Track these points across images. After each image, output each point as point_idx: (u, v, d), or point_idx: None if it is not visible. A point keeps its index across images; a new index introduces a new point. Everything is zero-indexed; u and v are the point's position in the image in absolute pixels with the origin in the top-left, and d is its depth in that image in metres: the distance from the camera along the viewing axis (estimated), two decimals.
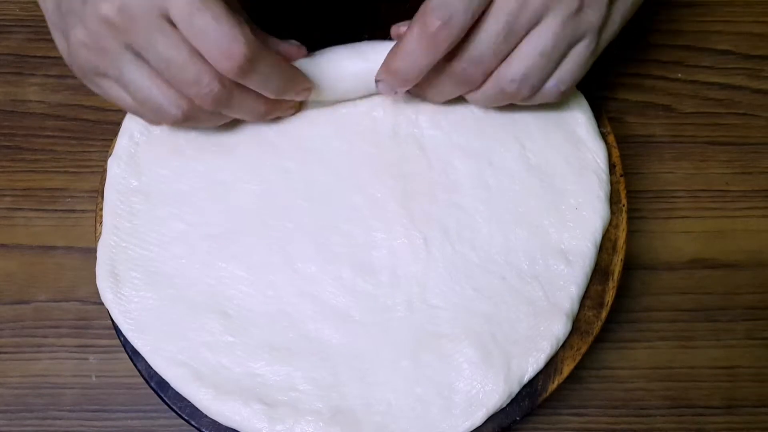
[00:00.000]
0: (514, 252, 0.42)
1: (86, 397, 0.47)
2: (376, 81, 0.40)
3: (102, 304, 0.41)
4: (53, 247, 0.49)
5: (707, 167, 0.51)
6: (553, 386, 0.40)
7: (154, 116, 0.39)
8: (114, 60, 0.37)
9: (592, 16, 0.37)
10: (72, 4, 0.37)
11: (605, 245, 0.43)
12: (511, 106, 0.43)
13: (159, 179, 0.43)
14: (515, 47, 0.37)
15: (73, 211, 0.50)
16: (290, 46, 0.42)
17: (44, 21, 0.40)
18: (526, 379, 0.39)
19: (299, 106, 0.44)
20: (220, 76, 0.37)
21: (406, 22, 0.39)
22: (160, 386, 0.40)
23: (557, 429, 0.46)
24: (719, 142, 0.52)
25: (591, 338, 0.41)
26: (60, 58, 0.40)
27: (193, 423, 0.40)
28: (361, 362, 0.40)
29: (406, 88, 0.40)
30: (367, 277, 0.41)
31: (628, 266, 0.46)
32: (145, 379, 0.41)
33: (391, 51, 0.39)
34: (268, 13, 0.49)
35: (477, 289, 0.41)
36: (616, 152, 0.45)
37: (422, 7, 0.36)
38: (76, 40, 0.37)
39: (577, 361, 0.40)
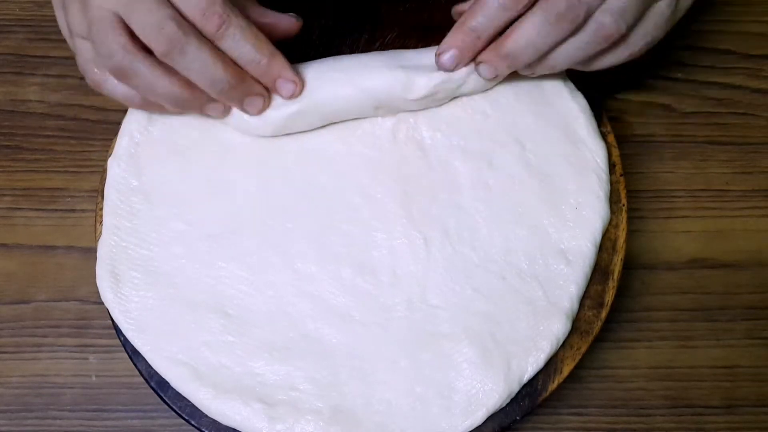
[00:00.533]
0: (513, 252, 0.42)
1: (86, 397, 0.47)
2: (476, 64, 0.40)
3: (102, 303, 0.41)
4: (53, 247, 0.50)
5: (707, 167, 0.51)
6: (553, 386, 0.40)
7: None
8: None
9: None
10: None
11: (605, 245, 0.43)
12: (511, 106, 0.42)
13: (159, 179, 0.43)
14: None
15: (73, 210, 0.50)
16: (281, 16, 0.41)
17: (44, 21, 0.40)
18: (526, 378, 0.39)
19: (229, 112, 0.42)
20: (180, 20, 0.36)
21: (468, 3, 0.39)
22: (160, 386, 0.40)
23: (557, 429, 0.47)
24: (719, 142, 0.52)
25: (591, 338, 0.41)
26: (60, 58, 0.40)
27: (193, 422, 0.40)
28: (361, 362, 0.40)
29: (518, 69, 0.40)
30: (367, 277, 0.41)
31: (628, 266, 0.46)
32: (145, 378, 0.41)
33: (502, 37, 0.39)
34: None
35: (477, 289, 0.41)
36: (616, 152, 0.45)
37: None
38: None
39: (577, 360, 0.41)
